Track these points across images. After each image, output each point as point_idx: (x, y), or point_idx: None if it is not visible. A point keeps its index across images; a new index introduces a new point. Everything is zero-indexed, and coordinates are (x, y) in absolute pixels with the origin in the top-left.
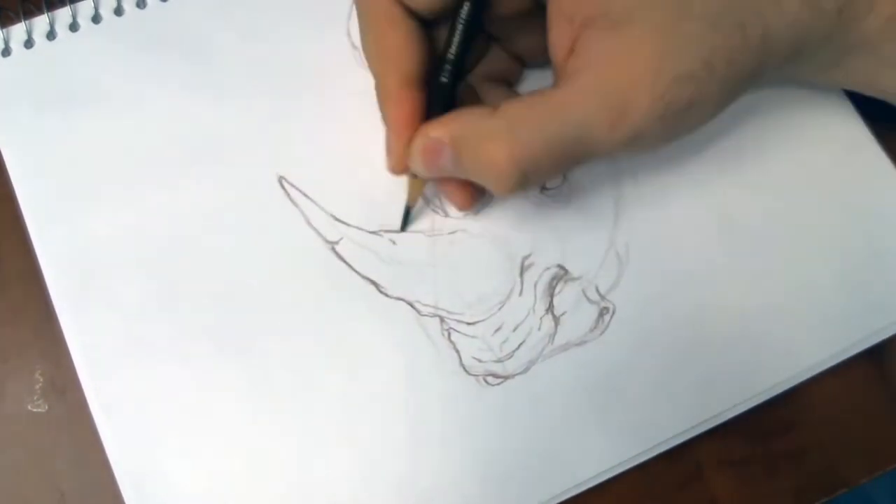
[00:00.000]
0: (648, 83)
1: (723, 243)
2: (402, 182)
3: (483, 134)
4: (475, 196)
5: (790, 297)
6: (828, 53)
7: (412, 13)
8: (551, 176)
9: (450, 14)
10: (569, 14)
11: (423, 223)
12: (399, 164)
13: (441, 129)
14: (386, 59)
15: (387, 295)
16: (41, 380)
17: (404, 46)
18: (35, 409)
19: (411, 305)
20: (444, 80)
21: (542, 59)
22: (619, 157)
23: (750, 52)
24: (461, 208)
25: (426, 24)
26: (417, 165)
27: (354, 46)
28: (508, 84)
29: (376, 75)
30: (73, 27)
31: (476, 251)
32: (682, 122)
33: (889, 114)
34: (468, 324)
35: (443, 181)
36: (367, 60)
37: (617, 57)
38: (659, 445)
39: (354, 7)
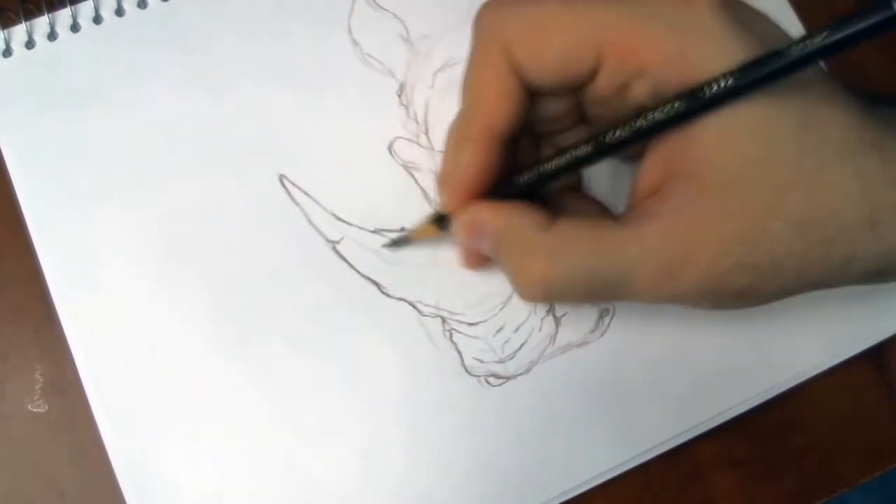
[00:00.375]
0: (710, 259)
1: None
2: (400, 178)
3: (528, 245)
4: (484, 265)
5: (788, 298)
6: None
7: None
8: (577, 303)
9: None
10: (669, 154)
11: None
12: (449, 206)
13: (492, 219)
14: (483, 99)
15: (388, 295)
16: (41, 380)
17: (506, 101)
18: (35, 409)
19: (413, 306)
20: (521, 180)
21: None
22: None
23: (826, 269)
24: (464, 266)
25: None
26: (457, 230)
27: (356, 44)
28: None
29: (466, 109)
30: (75, 28)
31: None
32: (725, 303)
33: None
34: (470, 324)
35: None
36: (464, 90)
37: (691, 219)
38: (659, 445)
39: (471, 43)
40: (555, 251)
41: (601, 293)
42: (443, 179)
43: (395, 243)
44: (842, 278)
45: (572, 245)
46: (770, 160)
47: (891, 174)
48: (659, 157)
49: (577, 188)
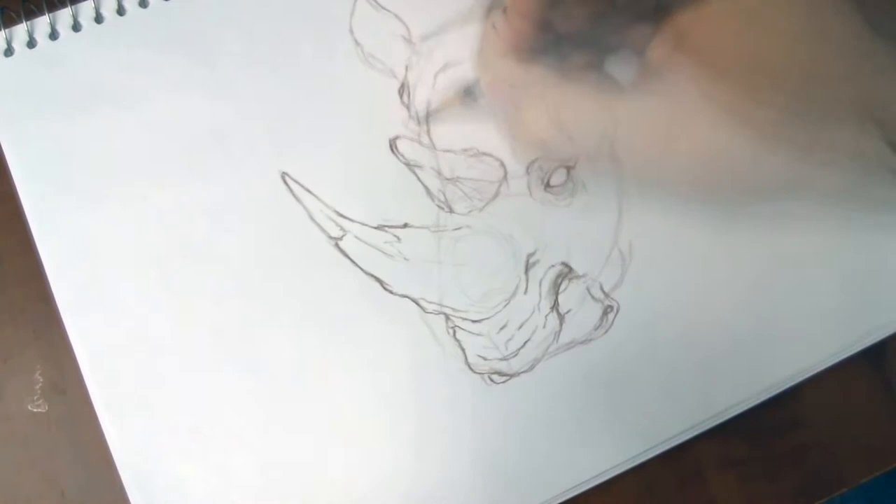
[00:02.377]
0: (699, 137)
1: (723, 244)
2: (402, 175)
3: (537, 97)
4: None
5: (790, 296)
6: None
7: None
8: (573, 157)
9: None
10: (674, 34)
11: (427, 219)
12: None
13: (514, 72)
14: None
15: (391, 292)
16: (41, 380)
17: None
18: (35, 409)
19: (416, 303)
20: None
21: None
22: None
23: (807, 161)
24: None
25: None
26: (485, 81)
27: (357, 44)
28: None
29: None
30: (76, 27)
31: (481, 248)
32: (712, 182)
33: None
34: (473, 321)
35: None
36: None
37: (688, 97)
38: (659, 445)
39: None
40: (558, 105)
41: (596, 149)
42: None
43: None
44: (819, 180)
45: (575, 100)
46: (768, 49)
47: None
48: (665, 37)
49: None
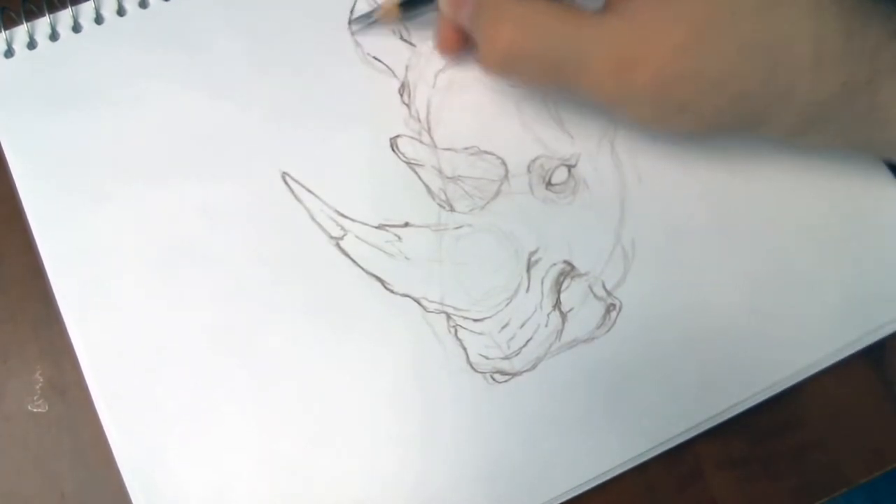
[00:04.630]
0: (660, 62)
1: (725, 242)
2: (403, 174)
3: (501, 13)
4: (459, 44)
5: (791, 295)
6: (846, 140)
7: None
8: (534, 81)
9: None
10: None
11: (428, 217)
12: None
13: None
14: None
15: (392, 291)
16: (41, 380)
17: None
18: (35, 409)
19: (417, 302)
20: None
21: None
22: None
23: (764, 99)
24: (441, 48)
25: None
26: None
27: (357, 44)
28: None
29: None
30: (76, 28)
31: (482, 246)
32: (669, 117)
33: None
34: (475, 320)
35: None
36: None
37: (649, 20)
38: (660, 445)
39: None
40: (523, 21)
41: (557, 73)
42: None
43: (359, 20)
44: (777, 117)
45: (540, 18)
46: None
47: (844, 22)
48: None
49: None
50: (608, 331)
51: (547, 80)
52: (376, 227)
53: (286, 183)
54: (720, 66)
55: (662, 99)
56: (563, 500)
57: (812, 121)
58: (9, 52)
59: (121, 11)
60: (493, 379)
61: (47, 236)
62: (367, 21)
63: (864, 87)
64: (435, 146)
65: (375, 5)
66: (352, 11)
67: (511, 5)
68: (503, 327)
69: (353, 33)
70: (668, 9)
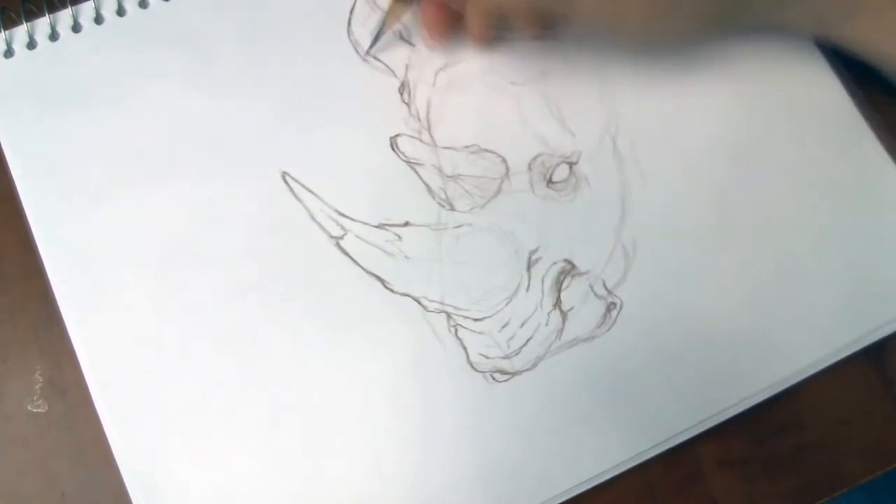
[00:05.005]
0: None
1: (726, 242)
2: (403, 173)
3: None
4: (448, 26)
5: (791, 294)
6: (827, 7)
7: None
8: (526, 16)
9: None
10: None
11: (428, 217)
12: None
13: None
14: None
15: (393, 290)
16: (41, 380)
17: None
18: (35, 409)
19: (417, 301)
20: None
21: None
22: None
23: None
24: (431, 35)
25: None
26: None
27: (356, 42)
28: None
29: None
30: (76, 28)
31: (482, 246)
32: (658, 22)
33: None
34: (475, 320)
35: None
36: None
37: None
38: (660, 445)
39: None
40: None
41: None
42: None
43: (372, 43)
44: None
45: None
46: None
47: None
48: None
49: None
50: (609, 330)
51: (540, 9)
52: (376, 227)
53: (286, 182)
54: None
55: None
56: (563, 499)
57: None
58: (9, 52)
59: (120, 11)
60: (494, 378)
61: (47, 236)
62: (378, 33)
63: None
64: (435, 145)
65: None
66: (351, 12)
67: None
68: (503, 326)
69: (368, 55)
70: None
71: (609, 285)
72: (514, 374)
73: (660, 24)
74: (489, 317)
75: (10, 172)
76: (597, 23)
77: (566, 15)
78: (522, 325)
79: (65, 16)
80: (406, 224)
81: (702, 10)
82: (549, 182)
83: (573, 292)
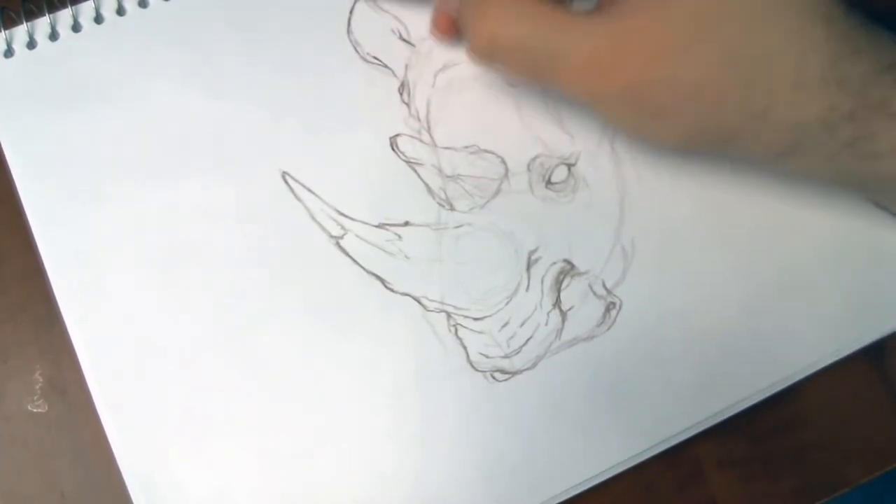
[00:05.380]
0: (640, 65)
1: (725, 241)
2: (403, 173)
3: (488, 4)
4: (452, 30)
5: (791, 294)
6: (826, 169)
7: None
8: (515, 72)
9: None
10: None
11: (428, 216)
12: None
13: None
14: None
15: (393, 290)
16: (41, 380)
17: None
18: (35, 409)
19: (418, 301)
20: None
21: None
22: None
23: (742, 114)
24: (434, 31)
25: None
26: None
27: (357, 44)
28: None
29: None
30: (76, 27)
31: (482, 245)
32: (642, 122)
33: None
34: (475, 319)
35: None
36: None
37: (633, 23)
38: (660, 444)
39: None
40: (506, 14)
41: (536, 68)
42: None
43: None
44: (754, 135)
45: (524, 12)
46: None
47: (831, 49)
48: None
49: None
50: (608, 329)
51: (526, 73)
52: (376, 226)
53: (286, 182)
54: (699, 73)
55: (637, 103)
56: (563, 498)
57: (791, 144)
58: (9, 52)
59: (121, 11)
60: (494, 378)
61: (47, 236)
62: None
63: (848, 118)
64: (435, 145)
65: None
66: (351, 12)
67: None
68: (503, 326)
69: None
70: (656, 12)
71: (608, 285)
72: (514, 373)
73: (642, 133)
74: (489, 316)
75: (10, 172)
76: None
77: (551, 86)
78: (522, 324)
79: (65, 15)
80: (406, 224)
81: (691, 132)
82: (548, 183)
83: (573, 292)
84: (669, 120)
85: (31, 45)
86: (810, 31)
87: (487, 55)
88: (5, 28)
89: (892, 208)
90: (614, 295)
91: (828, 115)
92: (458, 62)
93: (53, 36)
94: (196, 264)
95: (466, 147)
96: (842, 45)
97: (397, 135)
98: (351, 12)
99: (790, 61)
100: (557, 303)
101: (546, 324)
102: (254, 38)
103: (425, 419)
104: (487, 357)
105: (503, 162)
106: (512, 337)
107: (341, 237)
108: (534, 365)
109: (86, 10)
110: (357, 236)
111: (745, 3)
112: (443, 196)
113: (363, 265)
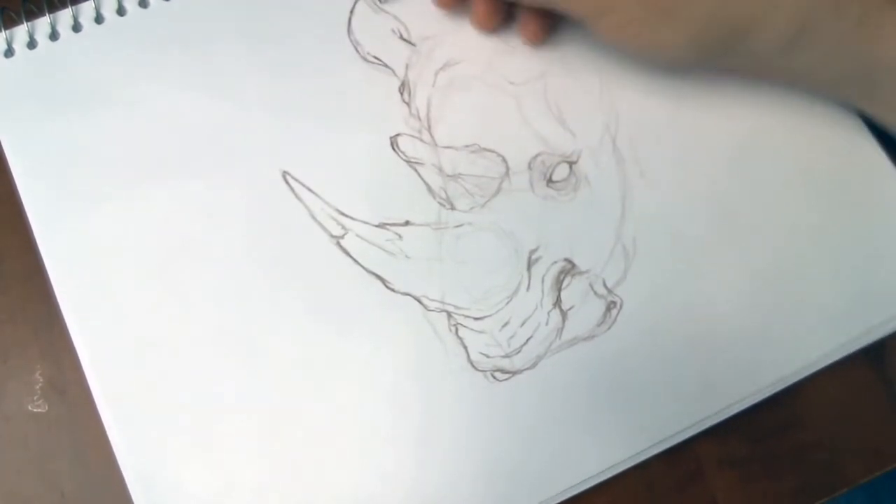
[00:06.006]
0: None
1: (725, 240)
2: (403, 173)
3: None
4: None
5: (791, 293)
6: (843, 64)
7: None
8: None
9: None
10: None
11: (429, 216)
12: None
13: None
14: None
15: (393, 290)
16: (41, 380)
17: None
18: (35, 409)
19: (418, 300)
20: None
21: None
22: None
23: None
24: (529, 38)
25: None
26: None
27: (357, 44)
28: None
29: None
30: (76, 28)
31: (483, 245)
32: (652, 27)
33: None
34: (475, 319)
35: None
36: None
37: None
38: (660, 444)
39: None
40: None
41: None
42: None
43: None
44: (766, 22)
45: None
46: None
47: None
48: None
49: None
50: (609, 328)
51: None
52: (377, 226)
53: (287, 182)
54: None
55: (648, 3)
56: (564, 498)
57: (801, 31)
58: (9, 52)
59: (121, 11)
60: (494, 377)
61: (48, 236)
62: None
63: (855, 26)
64: (435, 144)
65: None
66: (351, 12)
67: None
68: (504, 325)
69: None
70: None
71: (609, 284)
72: (514, 373)
73: (654, 43)
74: (490, 316)
75: (10, 172)
76: (582, 19)
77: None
78: (523, 324)
79: (65, 15)
80: (406, 223)
81: (703, 30)
82: (549, 181)
83: (573, 291)
84: (680, 17)
85: (32, 45)
86: None
87: None
88: (6, 28)
89: (887, 117)
90: (615, 294)
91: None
92: (458, 61)
93: (54, 36)
94: (196, 264)
95: (467, 146)
96: None
97: (398, 134)
98: (351, 12)
99: None
100: (558, 302)
101: (546, 323)
102: (254, 38)
103: (426, 418)
104: (488, 356)
105: (504, 160)
106: (512, 336)
107: (342, 237)
108: (534, 364)
109: (86, 11)
110: (358, 236)
111: None
112: (443, 195)
113: (364, 265)
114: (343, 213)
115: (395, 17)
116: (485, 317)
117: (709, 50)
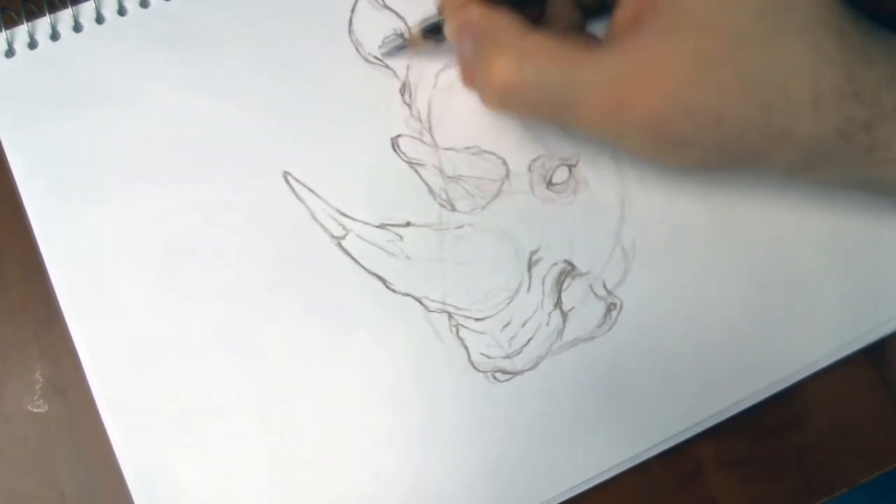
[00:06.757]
0: (659, 97)
1: (725, 241)
2: (404, 174)
3: (502, 47)
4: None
5: (791, 294)
6: (846, 178)
7: None
8: (531, 116)
9: None
10: None
11: (429, 217)
12: (447, 8)
13: (480, 19)
14: None
15: (394, 291)
16: (41, 380)
17: None
18: (35, 409)
19: (419, 301)
20: None
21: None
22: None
23: (762, 136)
24: (461, 79)
25: None
26: (449, 30)
27: (358, 44)
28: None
29: None
30: (77, 28)
31: (483, 246)
32: (664, 151)
33: None
34: (476, 319)
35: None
36: None
37: (649, 55)
38: (660, 444)
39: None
40: (518, 57)
41: (552, 111)
42: None
43: (391, 49)
44: (777, 154)
45: (537, 53)
46: (732, 9)
47: (845, 61)
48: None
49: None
50: (609, 330)
51: (543, 117)
52: (378, 227)
53: (287, 182)
54: (719, 100)
55: (660, 134)
56: (564, 499)
57: (812, 158)
58: (9, 52)
59: (122, 11)
60: (495, 378)
61: (48, 236)
62: (396, 46)
63: (864, 127)
64: (436, 146)
65: (398, 31)
66: (352, 11)
67: (508, 39)
68: (504, 326)
69: (383, 56)
70: (673, 40)
71: (609, 286)
72: (515, 373)
73: (666, 162)
74: (490, 317)
75: (10, 172)
76: (601, 138)
77: (569, 127)
78: (523, 325)
79: (65, 15)
80: (407, 224)
81: (715, 157)
82: (549, 184)
83: (573, 293)
84: (692, 148)
85: (32, 45)
86: (824, 46)
87: (501, 101)
88: (6, 28)
89: None
90: (615, 296)
91: (845, 126)
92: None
93: (54, 36)
94: (197, 264)
95: (468, 148)
96: (855, 57)
97: (398, 135)
98: (352, 12)
99: (807, 79)
100: (558, 303)
101: (547, 324)
102: (255, 38)
103: (426, 419)
104: (489, 357)
105: (504, 163)
106: (513, 337)
107: (343, 237)
108: (535, 365)
109: (87, 10)
110: (358, 236)
111: (757, 24)
112: (444, 197)
113: (364, 265)
114: (344, 214)
115: (397, 16)
116: (486, 318)
117: (716, 171)
